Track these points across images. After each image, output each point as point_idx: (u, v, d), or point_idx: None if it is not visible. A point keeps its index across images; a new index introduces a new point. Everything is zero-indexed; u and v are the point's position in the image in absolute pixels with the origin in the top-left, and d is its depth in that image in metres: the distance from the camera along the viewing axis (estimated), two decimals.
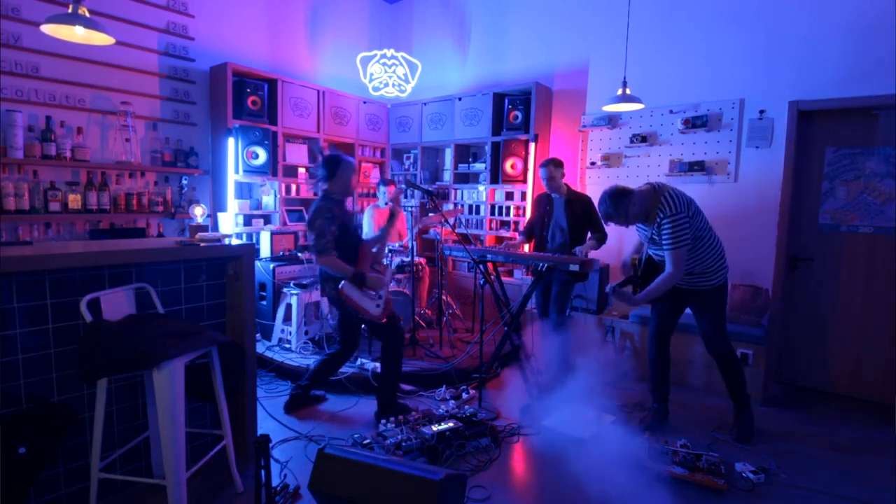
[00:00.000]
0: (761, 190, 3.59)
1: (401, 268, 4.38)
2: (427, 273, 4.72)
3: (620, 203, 2.64)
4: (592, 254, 3.31)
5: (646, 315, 3.73)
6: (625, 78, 3.49)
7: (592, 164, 4.34)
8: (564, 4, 4.72)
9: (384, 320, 2.85)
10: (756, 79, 3.58)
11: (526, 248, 3.95)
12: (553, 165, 3.45)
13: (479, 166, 5.16)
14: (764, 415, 3.13)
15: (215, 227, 4.20)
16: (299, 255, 4.36)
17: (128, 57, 3.80)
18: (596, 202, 3.54)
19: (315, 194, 2.89)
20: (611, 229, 3.48)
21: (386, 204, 4.51)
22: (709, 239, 2.69)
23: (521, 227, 4.73)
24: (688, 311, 2.92)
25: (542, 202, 3.66)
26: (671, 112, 3.94)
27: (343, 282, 2.76)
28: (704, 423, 2.98)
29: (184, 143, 4.13)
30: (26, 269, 1.78)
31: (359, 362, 3.60)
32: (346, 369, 3.44)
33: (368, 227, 4.47)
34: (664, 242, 2.60)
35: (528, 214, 4.52)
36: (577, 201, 3.50)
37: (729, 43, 3.68)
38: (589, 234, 3.49)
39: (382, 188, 4.46)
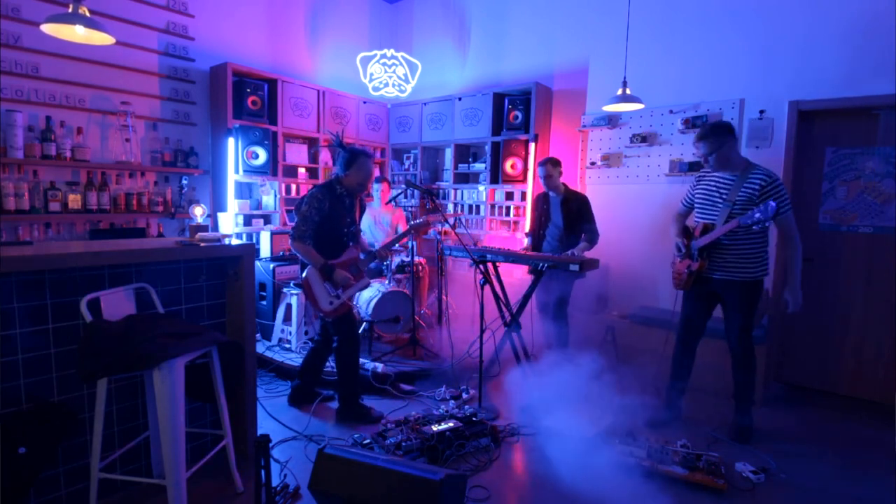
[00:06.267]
0: None
1: (401, 268, 4.38)
2: (427, 273, 4.72)
3: (721, 133, 2.65)
4: (587, 255, 3.33)
5: (645, 315, 3.74)
6: (625, 78, 3.49)
7: (592, 164, 4.34)
8: (564, 4, 4.72)
9: (329, 319, 2.89)
10: (756, 79, 3.58)
11: None
12: (551, 164, 3.53)
13: (479, 166, 5.16)
14: (764, 415, 3.13)
15: (215, 227, 4.21)
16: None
17: (128, 57, 3.80)
18: (593, 202, 3.60)
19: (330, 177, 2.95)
20: (603, 232, 3.53)
21: (387, 203, 4.50)
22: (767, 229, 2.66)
23: (521, 227, 4.74)
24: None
25: (539, 201, 3.74)
26: (671, 112, 3.94)
27: (309, 267, 2.82)
28: (704, 423, 2.98)
29: (184, 143, 4.13)
30: (26, 269, 1.78)
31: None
32: None
33: (367, 227, 4.47)
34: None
35: (529, 215, 4.53)
36: (573, 199, 3.57)
37: (729, 43, 3.68)
38: (583, 237, 3.52)
39: (377, 185, 4.45)
